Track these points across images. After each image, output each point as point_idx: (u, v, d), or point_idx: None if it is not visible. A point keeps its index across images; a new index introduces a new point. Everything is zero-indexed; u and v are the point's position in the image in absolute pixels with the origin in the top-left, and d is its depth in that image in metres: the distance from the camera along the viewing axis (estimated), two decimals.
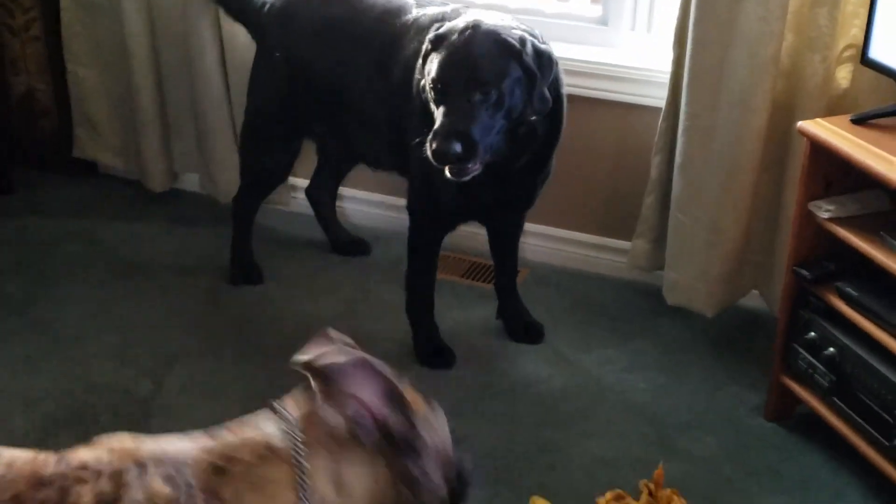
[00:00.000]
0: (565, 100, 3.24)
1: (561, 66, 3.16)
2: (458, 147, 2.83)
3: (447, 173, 2.91)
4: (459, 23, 3.00)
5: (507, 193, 3.26)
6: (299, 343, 3.58)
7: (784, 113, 3.17)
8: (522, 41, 2.95)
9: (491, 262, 3.65)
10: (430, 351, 3.39)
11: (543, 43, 3.05)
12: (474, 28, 2.96)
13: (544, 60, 2.99)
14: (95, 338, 3.47)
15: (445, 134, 2.86)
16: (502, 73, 2.89)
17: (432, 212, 3.29)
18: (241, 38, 3.80)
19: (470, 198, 3.18)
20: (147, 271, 3.87)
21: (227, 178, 4.01)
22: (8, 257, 3.96)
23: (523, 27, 3.09)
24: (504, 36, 2.93)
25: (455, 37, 2.95)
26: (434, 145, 2.86)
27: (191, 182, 4.42)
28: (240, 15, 3.68)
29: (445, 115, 2.90)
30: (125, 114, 4.29)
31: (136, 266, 3.90)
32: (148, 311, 3.63)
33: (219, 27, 3.95)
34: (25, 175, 4.45)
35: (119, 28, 4.08)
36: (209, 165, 4.18)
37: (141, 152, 4.28)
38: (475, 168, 2.90)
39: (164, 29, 4.07)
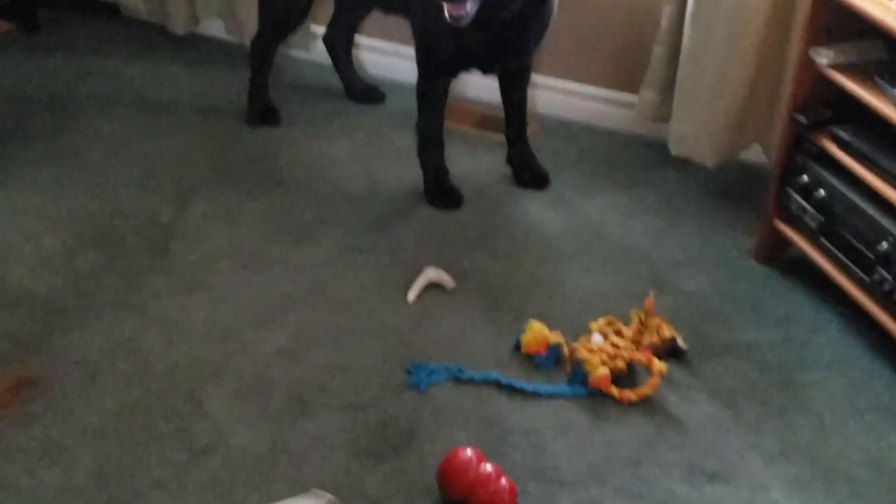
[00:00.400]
0: None
1: None
2: None
3: (446, 12, 2.93)
4: None
5: (502, 41, 3.29)
6: (314, 178, 3.75)
7: None
8: None
9: (502, 113, 3.70)
10: (438, 192, 3.49)
11: None
12: None
13: None
14: (120, 168, 3.57)
15: None
16: None
17: (434, 58, 3.35)
18: None
19: (467, 44, 3.24)
20: (169, 109, 3.94)
21: (252, 21, 3.96)
22: (36, 90, 4.01)
23: None
24: None
25: None
26: None
27: (213, 28, 4.42)
28: None
29: None
30: None
31: (158, 104, 3.97)
32: (169, 145, 3.72)
33: None
34: (51, 15, 4.47)
35: None
36: (234, 7, 4.18)
37: None
38: (471, 9, 2.92)
39: None
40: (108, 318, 2.88)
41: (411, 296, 3.08)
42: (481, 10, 2.98)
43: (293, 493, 2.39)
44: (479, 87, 4.01)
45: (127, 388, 2.64)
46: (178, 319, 2.90)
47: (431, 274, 3.13)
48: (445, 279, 3.14)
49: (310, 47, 4.23)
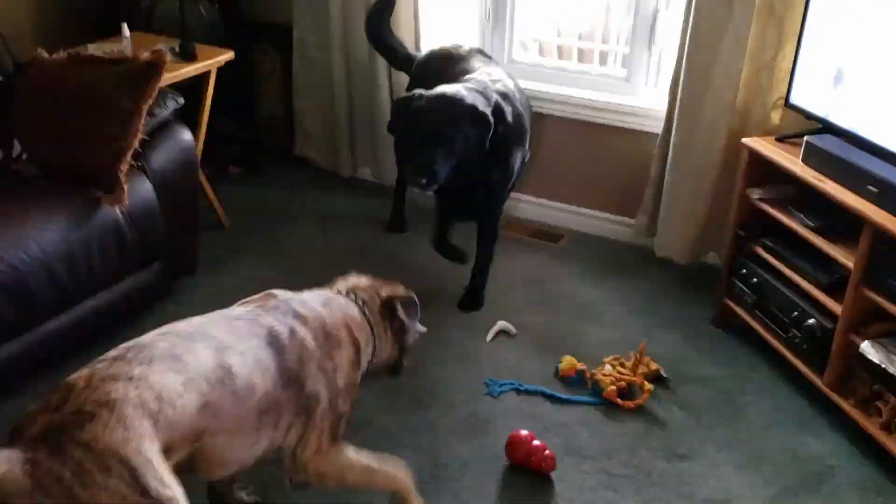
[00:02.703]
0: (517, 151, 3.11)
1: (520, 122, 3.06)
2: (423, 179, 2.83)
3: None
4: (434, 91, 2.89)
5: (465, 203, 3.20)
6: (425, 274, 3.55)
7: (737, 137, 3.12)
8: (470, 109, 2.82)
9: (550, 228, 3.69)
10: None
11: (499, 106, 2.92)
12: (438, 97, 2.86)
13: (480, 123, 2.85)
14: (300, 256, 3.58)
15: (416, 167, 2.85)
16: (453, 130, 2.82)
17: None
18: (402, 80, 3.77)
19: (445, 202, 3.23)
20: (334, 223, 3.94)
21: (391, 170, 3.98)
22: (258, 208, 4.06)
23: (490, 88, 2.96)
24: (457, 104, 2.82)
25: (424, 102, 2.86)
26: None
27: (366, 174, 4.40)
28: (402, 66, 3.67)
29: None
30: (327, 127, 4.28)
31: (328, 219, 3.98)
32: (333, 244, 3.73)
33: (390, 73, 3.97)
34: (267, 164, 4.49)
35: (328, 74, 4.11)
36: (379, 160, 4.22)
37: (336, 151, 4.32)
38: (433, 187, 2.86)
39: (357, 74, 4.07)
40: None
41: (488, 337, 3.13)
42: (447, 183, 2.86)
43: None
44: (530, 210, 4.07)
45: None
46: None
47: (501, 324, 3.17)
48: (511, 328, 3.17)
49: None
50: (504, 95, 3.04)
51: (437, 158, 2.82)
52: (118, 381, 1.53)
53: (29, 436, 1.43)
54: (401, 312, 2.16)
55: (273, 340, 1.83)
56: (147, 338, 1.71)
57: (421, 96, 2.90)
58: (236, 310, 1.93)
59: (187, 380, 1.63)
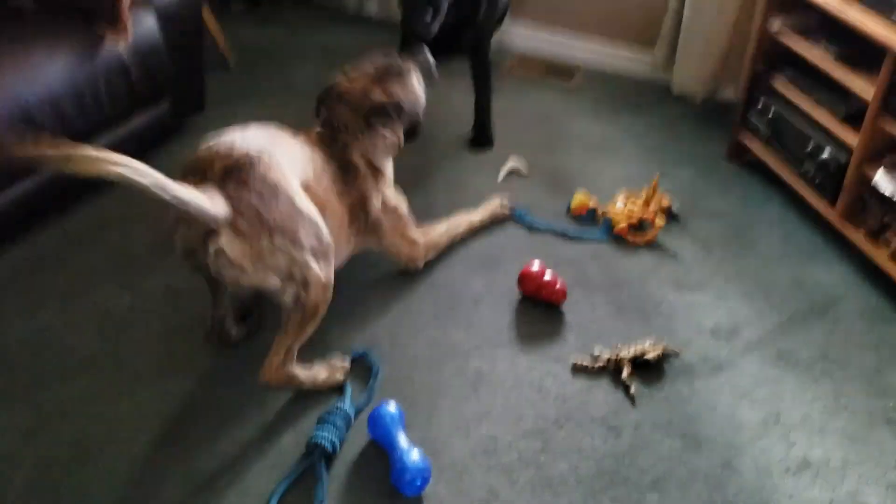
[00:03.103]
0: None
1: None
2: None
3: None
4: None
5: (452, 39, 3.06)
6: (436, 119, 3.37)
7: None
8: None
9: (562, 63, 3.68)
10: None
11: None
12: None
13: None
14: (317, 91, 3.40)
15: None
16: None
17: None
18: None
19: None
20: (342, 58, 3.83)
21: (396, 5, 3.69)
22: (263, 47, 3.94)
23: None
24: None
25: None
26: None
27: (371, 9, 4.27)
28: None
29: None
30: None
31: (335, 53, 3.61)
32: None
33: None
34: (270, 1, 4.44)
35: None
36: None
37: None
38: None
39: None
40: None
41: (500, 177, 3.10)
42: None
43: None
44: (544, 47, 4.01)
45: None
46: None
47: (512, 164, 3.14)
48: (522, 168, 3.16)
49: None
50: None
51: (429, 10, 2.78)
52: (260, 139, 2.05)
53: (213, 176, 1.91)
54: (384, 118, 2.42)
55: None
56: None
57: None
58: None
59: (305, 153, 2.20)
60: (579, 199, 2.93)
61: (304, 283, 2.00)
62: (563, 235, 2.83)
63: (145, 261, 2.59)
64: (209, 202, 1.83)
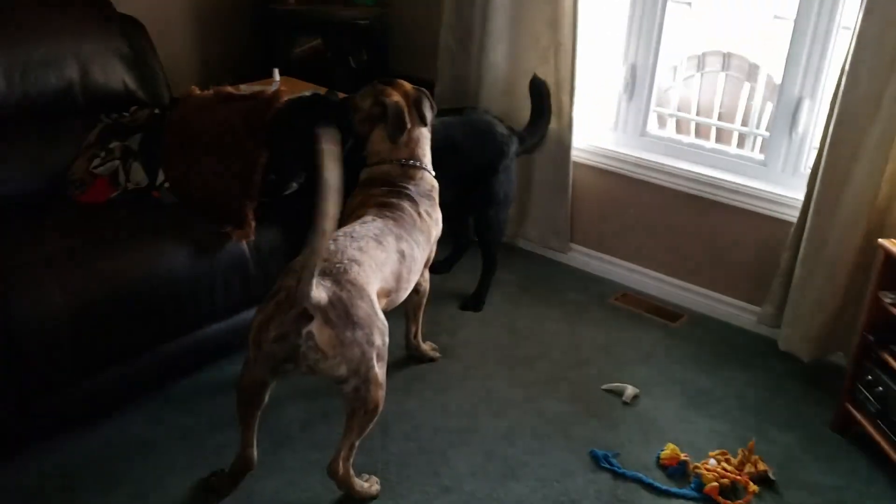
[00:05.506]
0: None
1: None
2: None
3: None
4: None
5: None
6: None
7: (874, 236, 3.09)
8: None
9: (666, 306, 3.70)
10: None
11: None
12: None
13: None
14: None
15: None
16: None
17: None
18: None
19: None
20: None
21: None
22: None
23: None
24: None
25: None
26: None
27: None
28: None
29: None
30: None
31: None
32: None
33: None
34: None
35: None
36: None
37: None
38: None
39: None
40: None
41: (625, 397, 3.19)
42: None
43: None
44: (651, 285, 4.06)
45: None
46: None
47: (630, 390, 3.21)
48: (629, 395, 3.19)
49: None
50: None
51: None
52: (353, 250, 2.43)
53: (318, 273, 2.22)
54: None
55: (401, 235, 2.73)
56: (350, 229, 2.58)
57: None
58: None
59: (388, 256, 2.58)
60: (671, 450, 2.87)
61: (366, 380, 2.31)
62: (650, 487, 2.74)
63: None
64: (316, 288, 2.17)
